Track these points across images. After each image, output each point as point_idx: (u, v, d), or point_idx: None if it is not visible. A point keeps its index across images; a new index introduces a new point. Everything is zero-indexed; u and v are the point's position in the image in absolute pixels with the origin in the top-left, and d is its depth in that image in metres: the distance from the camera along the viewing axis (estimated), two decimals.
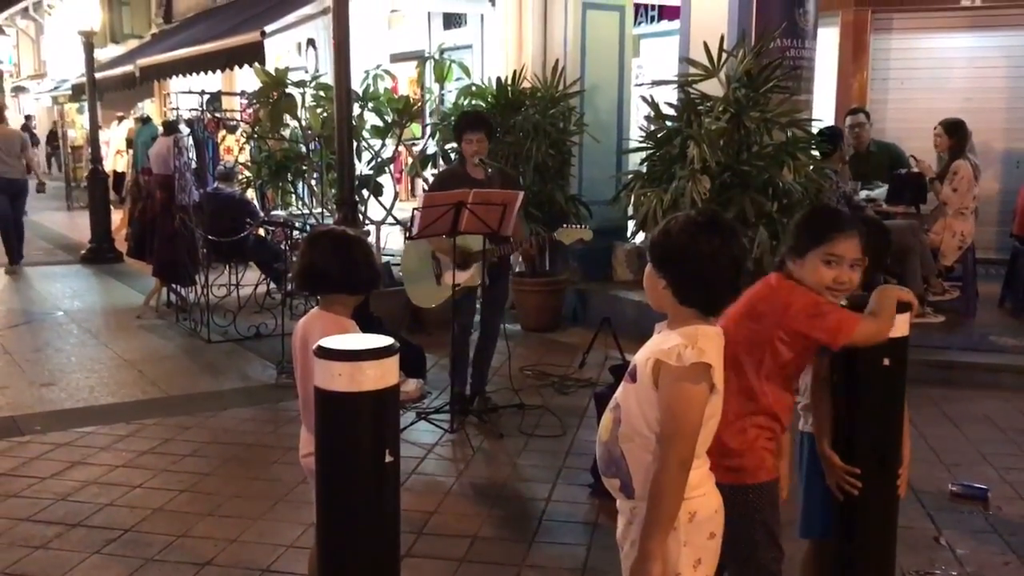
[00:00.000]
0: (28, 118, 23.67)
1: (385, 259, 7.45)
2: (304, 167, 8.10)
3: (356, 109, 7.08)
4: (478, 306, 5.50)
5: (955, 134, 6.97)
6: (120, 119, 17.74)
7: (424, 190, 5.33)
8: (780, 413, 2.53)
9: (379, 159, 7.77)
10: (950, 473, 4.45)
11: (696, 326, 2.12)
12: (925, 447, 4.70)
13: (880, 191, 7.25)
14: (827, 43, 7.94)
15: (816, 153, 6.28)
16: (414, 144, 8.50)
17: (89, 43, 11.71)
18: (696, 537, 2.16)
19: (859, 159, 7.50)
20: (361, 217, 7.15)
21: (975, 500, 4.17)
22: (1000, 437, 5.05)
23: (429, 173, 7.80)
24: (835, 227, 2.48)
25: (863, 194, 7.20)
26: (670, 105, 6.33)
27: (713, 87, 6.02)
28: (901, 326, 2.54)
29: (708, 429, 2.15)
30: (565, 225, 5.47)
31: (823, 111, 7.66)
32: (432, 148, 8.04)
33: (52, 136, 24.03)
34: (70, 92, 17.85)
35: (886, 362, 2.55)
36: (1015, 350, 6.27)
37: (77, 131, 20.84)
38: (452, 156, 7.63)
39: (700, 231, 2.11)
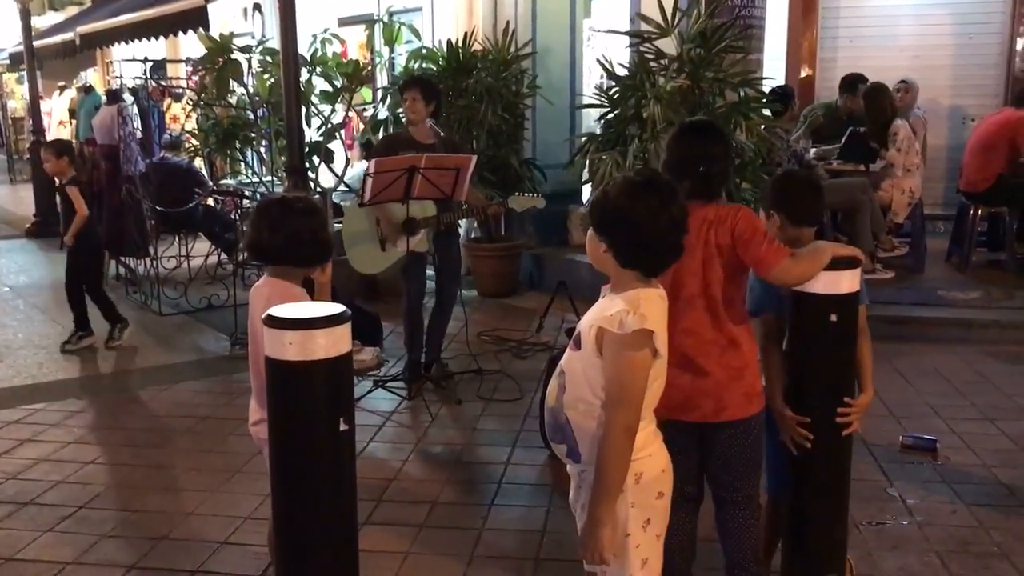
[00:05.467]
0: None
1: (337, 227, 7.37)
2: (252, 134, 7.95)
3: (304, 74, 6.95)
4: (429, 272, 5.45)
5: (865, 98, 7.11)
6: (62, 89, 17.25)
7: (365, 155, 5.24)
8: None
9: (329, 125, 7.65)
10: (900, 426, 4.55)
11: (638, 290, 2.12)
12: (876, 401, 4.73)
13: (829, 148, 7.31)
14: (777, 2, 7.94)
15: (768, 112, 6.30)
16: (365, 109, 8.38)
17: (25, 10, 11.36)
18: (644, 497, 2.18)
19: (838, 122, 7.57)
20: (312, 184, 7.04)
21: (924, 451, 4.27)
22: (948, 389, 5.16)
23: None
24: None
25: (812, 151, 7.26)
26: (623, 66, 6.30)
27: (666, 46, 6.00)
28: (849, 282, 2.57)
29: (652, 392, 2.16)
30: (518, 193, 5.43)
31: (774, 70, 7.66)
32: (383, 113, 7.94)
33: None
34: (7, 62, 17.32)
35: (833, 318, 2.58)
36: (962, 304, 6.39)
37: (17, 102, 20.25)
38: (403, 121, 7.53)
39: (638, 192, 2.11)
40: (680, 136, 2.76)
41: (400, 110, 7.40)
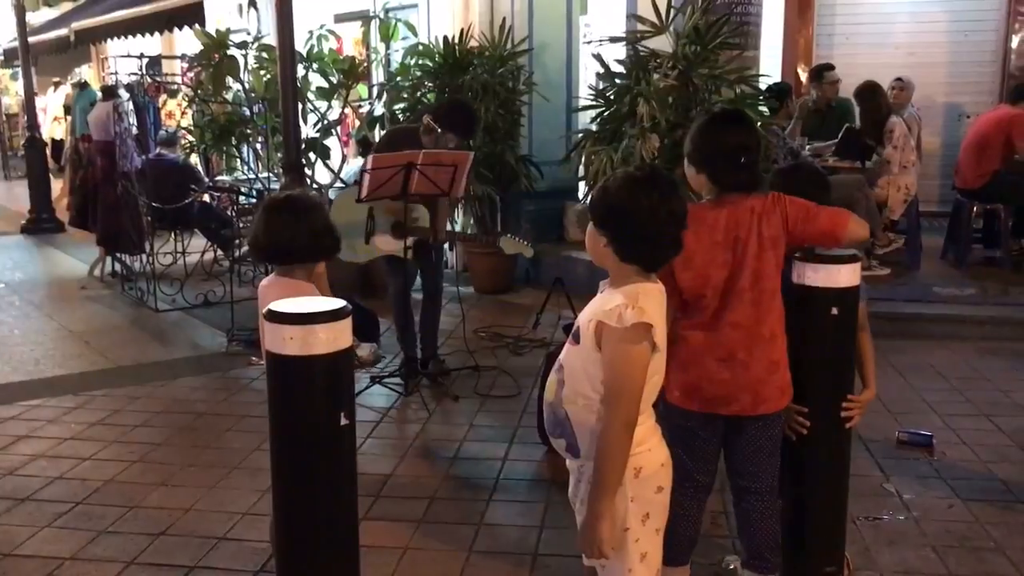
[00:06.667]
0: None
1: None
2: (248, 131, 7.95)
3: (300, 70, 6.95)
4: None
5: (859, 96, 7.18)
6: (56, 85, 17.22)
7: (361, 152, 5.22)
8: None
9: (325, 121, 7.65)
10: (897, 421, 4.56)
11: (637, 284, 2.12)
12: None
13: (824, 145, 7.33)
14: None
15: (764, 109, 6.31)
16: (361, 106, 8.37)
17: (20, 6, 11.32)
18: (643, 492, 2.19)
19: (816, 114, 7.60)
20: (308, 181, 7.04)
21: (920, 447, 4.28)
22: (944, 385, 5.17)
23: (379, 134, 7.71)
24: None
25: (808, 148, 7.28)
26: (619, 63, 6.30)
27: (661, 44, 6.00)
28: (848, 276, 2.59)
29: (651, 386, 2.17)
30: (511, 235, 5.42)
31: (769, 67, 7.69)
32: (379, 110, 7.93)
33: None
34: (1, 58, 17.27)
35: (834, 311, 2.59)
36: (958, 301, 6.42)
37: (11, 98, 20.20)
38: (400, 117, 7.53)
39: (638, 187, 2.11)
40: (715, 128, 2.63)
41: (397, 107, 7.45)
